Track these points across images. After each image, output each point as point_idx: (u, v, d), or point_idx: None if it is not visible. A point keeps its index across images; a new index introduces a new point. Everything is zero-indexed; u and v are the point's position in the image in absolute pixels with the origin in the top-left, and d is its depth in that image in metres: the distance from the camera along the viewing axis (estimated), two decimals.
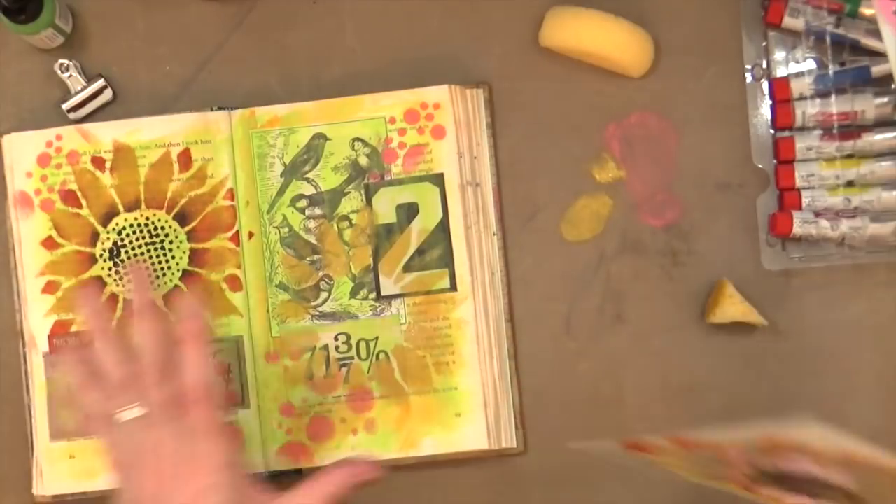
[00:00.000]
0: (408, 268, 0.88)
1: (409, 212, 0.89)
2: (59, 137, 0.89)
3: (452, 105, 0.89)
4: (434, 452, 0.87)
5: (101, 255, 0.89)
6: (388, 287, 0.88)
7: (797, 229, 0.85)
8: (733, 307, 0.85)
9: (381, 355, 0.88)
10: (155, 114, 0.90)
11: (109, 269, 0.89)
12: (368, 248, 0.89)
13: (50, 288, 0.88)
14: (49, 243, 0.88)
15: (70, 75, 0.91)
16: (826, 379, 0.87)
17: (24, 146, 0.89)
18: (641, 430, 0.88)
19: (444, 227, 0.88)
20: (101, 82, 0.91)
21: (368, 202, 0.89)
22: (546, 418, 0.88)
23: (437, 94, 0.89)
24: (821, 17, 0.87)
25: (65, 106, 0.91)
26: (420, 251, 0.88)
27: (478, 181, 0.89)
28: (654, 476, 0.87)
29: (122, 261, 0.89)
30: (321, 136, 0.89)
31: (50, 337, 0.88)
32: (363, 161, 0.89)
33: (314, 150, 0.89)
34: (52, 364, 0.88)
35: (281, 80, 0.92)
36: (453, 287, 0.88)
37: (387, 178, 0.89)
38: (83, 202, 0.89)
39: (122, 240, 0.89)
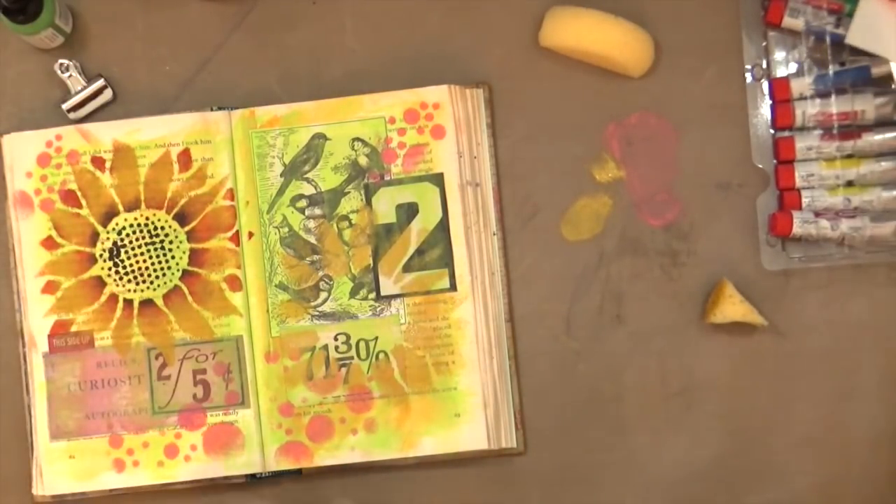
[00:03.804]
0: (407, 268, 0.87)
1: (408, 212, 0.88)
2: (59, 137, 0.88)
3: (452, 105, 0.88)
4: (433, 452, 0.86)
5: (100, 255, 0.88)
6: (387, 287, 0.87)
7: (797, 229, 0.85)
8: (733, 307, 0.84)
9: (381, 355, 0.87)
10: (155, 114, 0.89)
11: (109, 268, 0.87)
12: (368, 248, 0.88)
13: (50, 288, 0.87)
14: (49, 243, 0.87)
15: (70, 75, 0.90)
16: (826, 379, 0.86)
17: (24, 146, 0.88)
18: (641, 429, 0.87)
19: (443, 226, 0.87)
20: (101, 82, 0.90)
21: (368, 202, 0.88)
22: (546, 418, 0.88)
23: (436, 93, 0.88)
24: (821, 17, 0.86)
25: (65, 106, 0.90)
26: (420, 251, 0.87)
27: (478, 181, 0.88)
28: (653, 476, 0.86)
29: (122, 260, 0.87)
30: (321, 136, 0.88)
31: (50, 337, 0.87)
32: (363, 161, 0.88)
33: (314, 150, 0.88)
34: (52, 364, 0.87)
35: (281, 80, 0.91)
36: (453, 287, 0.87)
37: (386, 177, 0.88)
38: (83, 202, 0.88)
39: (121, 240, 0.88)
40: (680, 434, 0.87)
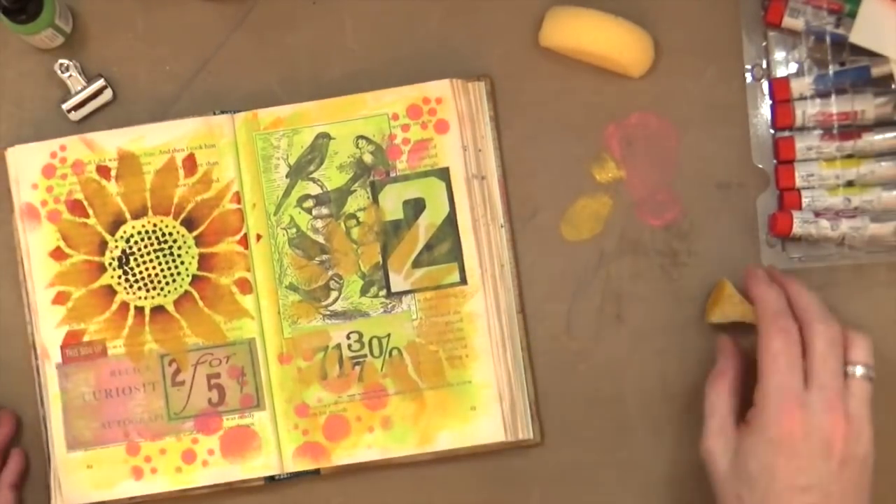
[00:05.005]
0: (417, 263, 0.81)
1: (415, 207, 0.81)
2: (63, 148, 0.81)
3: (455, 99, 0.81)
4: (451, 447, 0.80)
5: (110, 264, 0.81)
6: (398, 283, 0.81)
7: (797, 229, 0.79)
8: (733, 307, 0.79)
9: (394, 352, 0.81)
10: (155, 114, 0.82)
11: (119, 277, 0.81)
12: (377, 245, 0.81)
13: (60, 298, 0.80)
14: (57, 254, 0.80)
15: (70, 75, 0.83)
16: None
17: (29, 158, 0.81)
18: (641, 429, 0.82)
19: (451, 221, 0.81)
20: (101, 82, 0.83)
21: (375, 199, 0.81)
22: (546, 418, 0.82)
23: (438, 88, 0.81)
24: (821, 17, 0.79)
25: (65, 106, 0.83)
26: (428, 246, 0.81)
27: (483, 174, 0.82)
28: (653, 475, 0.81)
29: (132, 268, 0.81)
30: (325, 136, 0.81)
31: (62, 347, 0.80)
32: (368, 158, 0.81)
33: (318, 149, 0.81)
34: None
35: (281, 79, 0.83)
36: (463, 281, 0.81)
37: (392, 174, 0.81)
38: (90, 211, 0.81)
39: (130, 247, 0.81)
40: (680, 434, 0.81)
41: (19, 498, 0.81)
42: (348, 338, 0.81)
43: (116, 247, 0.81)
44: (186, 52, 0.83)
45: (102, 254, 0.81)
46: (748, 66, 0.81)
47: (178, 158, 0.81)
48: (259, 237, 0.81)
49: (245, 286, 0.81)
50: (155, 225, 0.81)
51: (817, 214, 0.79)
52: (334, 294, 0.81)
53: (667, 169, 0.82)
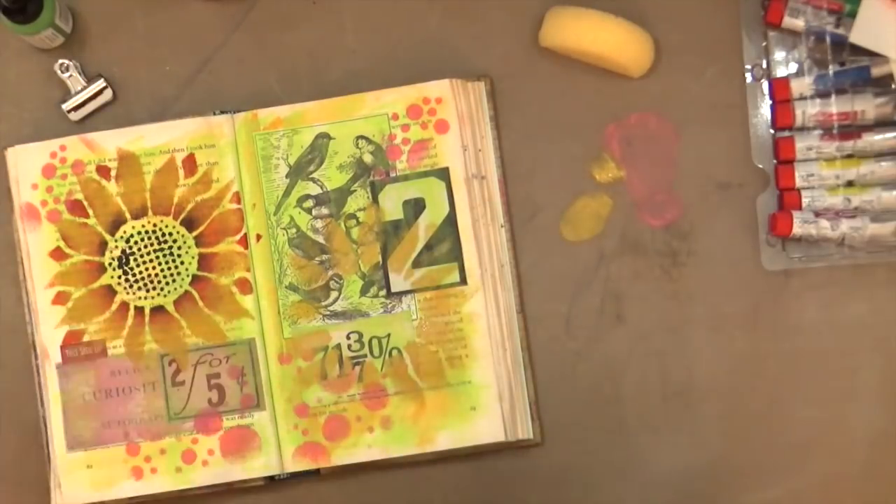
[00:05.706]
0: (417, 263, 0.79)
1: (415, 207, 0.79)
2: (63, 148, 0.79)
3: (454, 99, 0.79)
4: (450, 447, 0.78)
5: (110, 264, 0.79)
6: (398, 283, 0.79)
7: (797, 229, 0.77)
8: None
9: (394, 352, 0.79)
10: (155, 114, 0.81)
11: (119, 277, 0.79)
12: (377, 245, 0.79)
13: (60, 299, 0.78)
14: (57, 254, 0.79)
15: (70, 75, 0.81)
16: (826, 379, 0.79)
17: (29, 158, 0.79)
18: (641, 429, 0.80)
19: (451, 221, 0.79)
20: (101, 82, 0.81)
21: (375, 199, 0.79)
22: (546, 418, 0.80)
23: (438, 88, 0.79)
24: (821, 17, 0.77)
25: (65, 106, 0.81)
26: (428, 246, 0.79)
27: (483, 174, 0.80)
28: (653, 475, 0.80)
29: (132, 268, 0.79)
30: (325, 136, 0.79)
31: (62, 347, 0.78)
32: (368, 158, 0.79)
33: (318, 149, 0.79)
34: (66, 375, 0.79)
35: (281, 79, 0.82)
36: (463, 281, 0.79)
37: (392, 174, 0.79)
38: (90, 212, 0.79)
39: (130, 248, 0.79)
40: (680, 434, 0.79)
41: None
42: (348, 338, 0.79)
43: (116, 247, 0.79)
44: (186, 52, 0.82)
45: (102, 254, 0.79)
46: (748, 66, 0.80)
47: (178, 158, 0.79)
48: (259, 237, 0.79)
49: (245, 286, 0.79)
50: (155, 225, 0.79)
51: (817, 214, 0.77)
52: (334, 294, 0.79)
53: (667, 169, 0.80)
